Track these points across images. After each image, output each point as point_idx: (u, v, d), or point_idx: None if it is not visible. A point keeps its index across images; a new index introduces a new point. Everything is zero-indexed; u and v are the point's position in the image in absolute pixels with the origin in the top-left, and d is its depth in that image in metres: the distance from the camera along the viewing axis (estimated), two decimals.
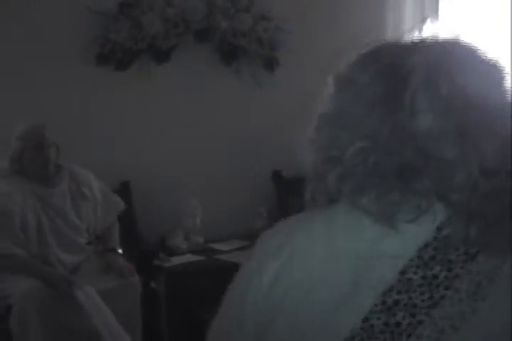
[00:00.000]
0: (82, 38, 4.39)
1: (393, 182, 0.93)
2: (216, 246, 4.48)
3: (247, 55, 4.66)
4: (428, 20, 4.65)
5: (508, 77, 1.02)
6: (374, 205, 0.95)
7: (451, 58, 0.99)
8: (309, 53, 4.74)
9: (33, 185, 3.83)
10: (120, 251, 4.17)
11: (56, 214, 3.87)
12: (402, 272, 0.94)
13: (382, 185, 0.94)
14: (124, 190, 4.48)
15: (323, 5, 4.78)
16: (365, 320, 0.95)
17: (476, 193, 0.93)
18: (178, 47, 4.50)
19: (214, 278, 4.03)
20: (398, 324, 0.94)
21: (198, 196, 4.47)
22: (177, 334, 4.09)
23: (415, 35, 1.08)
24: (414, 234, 0.97)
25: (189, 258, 4.32)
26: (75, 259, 3.90)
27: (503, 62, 1.03)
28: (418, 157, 0.94)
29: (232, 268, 3.78)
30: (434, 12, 4.74)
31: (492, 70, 0.99)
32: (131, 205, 4.45)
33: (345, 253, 0.98)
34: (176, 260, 4.26)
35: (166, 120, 4.65)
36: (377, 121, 0.96)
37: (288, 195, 4.60)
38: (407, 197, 0.95)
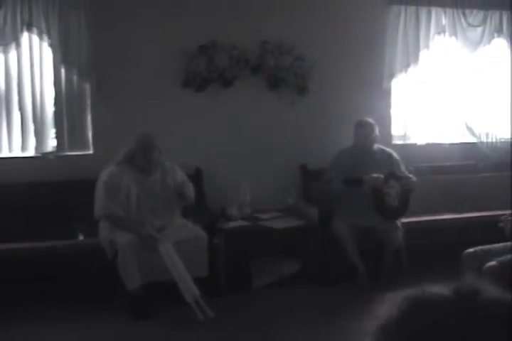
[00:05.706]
0: (173, 69, 4.70)
1: None
2: (259, 215, 4.55)
3: (286, 84, 4.83)
4: (411, 65, 5.04)
5: None
6: None
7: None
8: (330, 84, 4.95)
9: (136, 172, 4.01)
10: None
11: (150, 194, 4.01)
12: None
13: None
14: (197, 174, 4.68)
15: (342, 51, 4.95)
16: None
17: None
18: (238, 77, 4.76)
19: (257, 237, 4.43)
20: None
21: (248, 180, 4.59)
22: (231, 275, 4.18)
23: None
24: None
25: (240, 223, 4.41)
26: (162, 223, 4.04)
27: None
28: None
29: (269, 231, 4.50)
30: (415, 60, 5.04)
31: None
32: (202, 184, 4.65)
33: None
34: (232, 224, 4.36)
35: (228, 126, 4.87)
36: None
37: (311, 181, 4.77)
38: None
